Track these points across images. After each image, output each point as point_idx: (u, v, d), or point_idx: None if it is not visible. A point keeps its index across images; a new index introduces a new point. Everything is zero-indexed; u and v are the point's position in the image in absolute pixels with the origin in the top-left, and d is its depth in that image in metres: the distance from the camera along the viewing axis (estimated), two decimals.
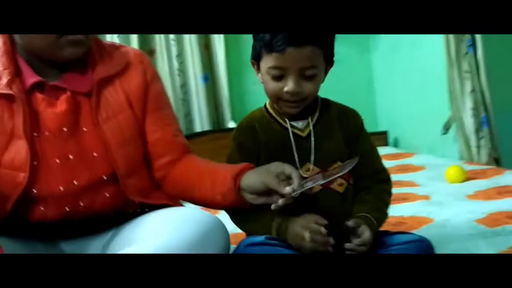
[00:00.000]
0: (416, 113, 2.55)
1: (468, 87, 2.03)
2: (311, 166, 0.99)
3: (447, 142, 2.28)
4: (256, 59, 0.99)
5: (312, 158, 0.99)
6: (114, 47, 1.04)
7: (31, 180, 0.92)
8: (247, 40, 2.84)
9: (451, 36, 2.03)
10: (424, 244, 0.93)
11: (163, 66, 2.45)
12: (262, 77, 0.99)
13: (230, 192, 0.95)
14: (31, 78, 0.94)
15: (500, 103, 2.02)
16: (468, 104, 2.04)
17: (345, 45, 2.89)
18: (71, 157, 0.94)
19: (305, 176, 0.98)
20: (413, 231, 1.17)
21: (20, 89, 0.92)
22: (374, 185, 1.03)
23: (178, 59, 2.47)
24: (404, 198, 1.58)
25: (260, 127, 1.01)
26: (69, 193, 0.94)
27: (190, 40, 2.46)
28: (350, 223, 0.93)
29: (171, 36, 2.44)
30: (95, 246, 1.01)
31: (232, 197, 0.96)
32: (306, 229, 0.91)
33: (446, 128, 2.23)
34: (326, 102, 1.06)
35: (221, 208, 1.03)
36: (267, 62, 0.96)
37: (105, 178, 0.97)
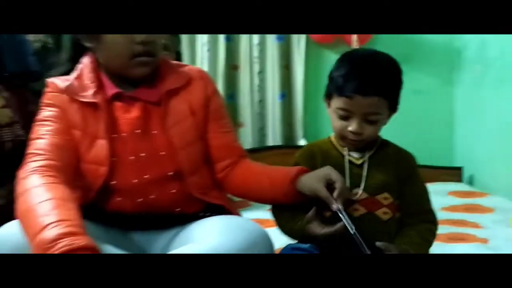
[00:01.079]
0: (495, 152, 2.45)
1: None
2: (360, 192, 1.08)
3: None
4: (328, 97, 1.11)
5: (363, 184, 1.08)
6: (178, 65, 1.22)
7: (111, 173, 1.09)
8: (326, 62, 2.94)
9: None
10: None
11: (245, 81, 2.62)
12: (331, 114, 1.11)
13: (289, 193, 1.11)
14: (111, 90, 1.12)
15: None
16: None
17: (428, 76, 2.86)
18: (143, 155, 1.10)
19: (353, 199, 1.08)
20: None
21: (102, 99, 1.10)
22: (419, 223, 1.09)
23: (259, 76, 2.62)
24: (462, 239, 1.56)
25: (319, 152, 1.14)
26: (141, 185, 1.10)
27: (273, 59, 2.60)
28: (379, 243, 1.01)
29: (255, 54, 2.59)
30: (161, 240, 1.15)
31: (292, 197, 1.11)
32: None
33: None
34: (386, 142, 1.15)
35: (281, 203, 1.16)
36: (336, 103, 1.07)
37: (171, 174, 1.12)
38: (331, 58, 2.67)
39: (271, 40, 2.58)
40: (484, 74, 2.51)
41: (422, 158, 2.58)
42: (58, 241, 0.87)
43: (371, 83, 1.03)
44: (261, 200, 1.21)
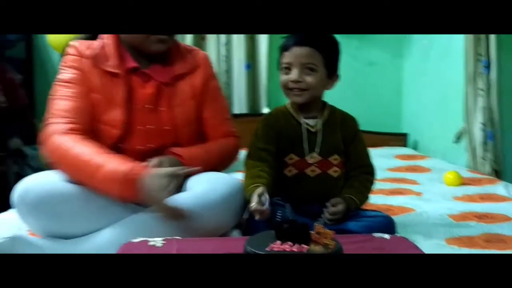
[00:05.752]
0: (436, 120, 2.76)
1: (480, 103, 2.24)
2: (315, 155, 1.30)
3: (459, 151, 2.49)
4: (279, 66, 1.30)
5: (318, 149, 1.29)
6: (187, 49, 1.38)
7: (121, 137, 1.27)
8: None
9: (470, 56, 2.23)
10: (387, 220, 1.23)
11: (211, 52, 2.77)
12: (280, 77, 1.29)
13: None
14: (130, 63, 1.28)
15: (507, 121, 2.21)
16: (479, 118, 2.25)
17: (380, 49, 3.11)
18: (150, 127, 1.29)
19: (309, 162, 1.29)
20: (395, 217, 1.44)
21: (123, 70, 1.26)
22: (361, 175, 1.33)
23: (226, 47, 2.78)
24: (400, 192, 1.84)
25: (283, 120, 1.33)
26: (144, 152, 1.28)
27: None
28: (328, 203, 1.23)
29: None
30: None
31: None
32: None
33: (458, 138, 2.45)
34: (332, 108, 1.36)
35: None
36: (281, 61, 1.28)
37: (170, 146, 1.30)
38: None
39: None
40: (430, 48, 2.79)
41: (373, 124, 2.86)
42: (134, 169, 1.10)
43: (306, 36, 1.24)
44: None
